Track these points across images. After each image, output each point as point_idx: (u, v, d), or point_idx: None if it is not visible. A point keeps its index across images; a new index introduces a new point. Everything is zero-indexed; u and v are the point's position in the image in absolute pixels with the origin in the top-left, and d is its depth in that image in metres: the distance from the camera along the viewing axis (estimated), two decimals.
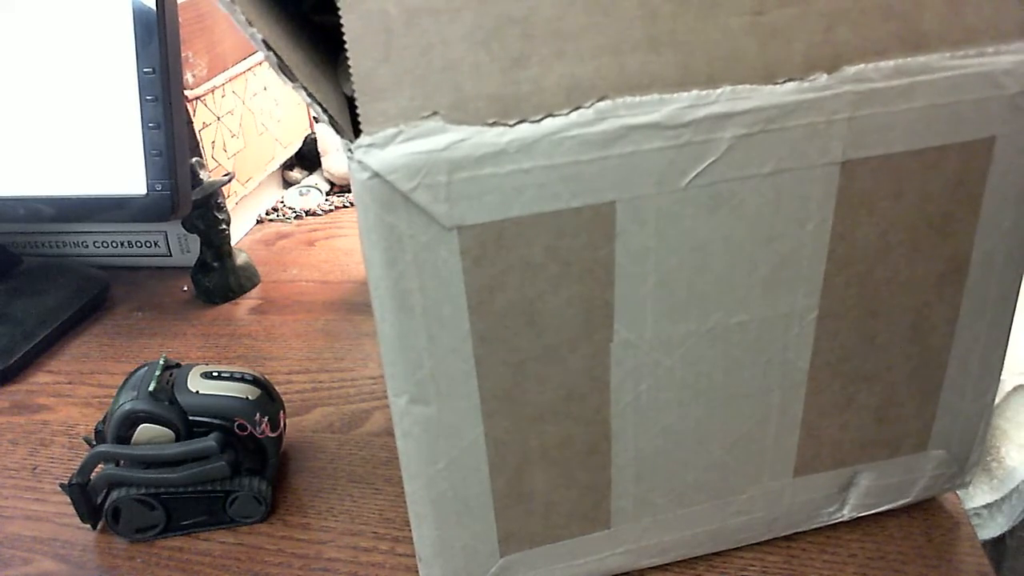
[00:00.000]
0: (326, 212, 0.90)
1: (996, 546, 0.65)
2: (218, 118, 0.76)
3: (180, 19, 0.63)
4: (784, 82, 0.29)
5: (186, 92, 0.70)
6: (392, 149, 0.27)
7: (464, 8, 0.26)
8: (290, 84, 0.26)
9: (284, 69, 0.26)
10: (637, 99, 0.28)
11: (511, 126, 0.28)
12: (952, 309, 0.37)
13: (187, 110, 0.71)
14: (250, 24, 0.25)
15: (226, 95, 0.78)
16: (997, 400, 0.61)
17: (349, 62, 0.25)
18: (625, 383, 0.35)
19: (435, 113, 0.27)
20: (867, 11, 0.30)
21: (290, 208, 0.90)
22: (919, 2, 0.30)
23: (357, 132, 0.27)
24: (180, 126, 0.63)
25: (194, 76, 0.73)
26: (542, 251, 0.30)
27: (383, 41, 0.26)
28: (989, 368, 0.40)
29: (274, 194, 0.93)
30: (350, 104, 0.28)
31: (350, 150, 0.27)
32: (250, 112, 0.82)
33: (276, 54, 0.26)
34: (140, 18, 0.60)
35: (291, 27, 0.30)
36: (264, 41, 0.25)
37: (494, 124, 0.28)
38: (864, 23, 0.30)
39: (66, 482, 0.47)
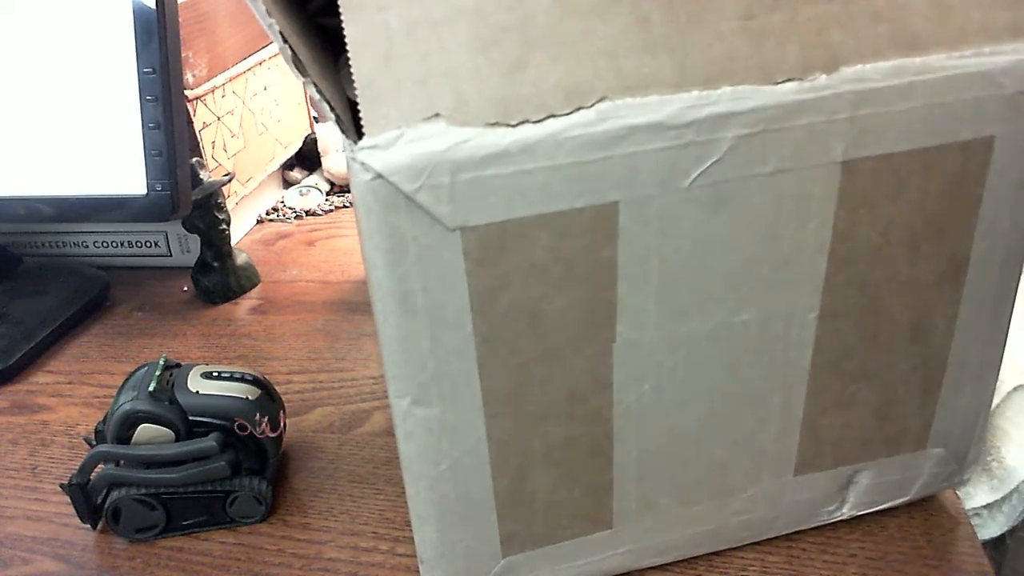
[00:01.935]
0: (326, 212, 0.90)
1: (996, 546, 0.65)
2: (218, 118, 0.76)
3: (180, 19, 0.63)
4: (784, 82, 0.30)
5: (186, 92, 0.70)
6: (395, 150, 0.27)
7: (460, 18, 0.27)
8: (301, 79, 0.26)
9: (297, 63, 0.26)
10: (639, 100, 0.29)
11: (513, 127, 0.28)
12: (951, 308, 0.37)
13: (187, 110, 0.71)
14: (269, 15, 0.25)
15: (226, 95, 0.78)
16: (997, 400, 0.62)
17: (352, 69, 0.26)
18: (628, 383, 0.35)
19: (437, 115, 0.27)
20: (855, 16, 0.30)
21: (290, 208, 0.90)
22: (906, 6, 0.30)
23: (359, 135, 0.27)
24: (180, 126, 0.63)
25: (194, 76, 0.72)
26: (545, 252, 0.30)
27: (384, 50, 0.26)
28: (988, 366, 0.40)
29: (274, 194, 0.93)
30: (352, 108, 0.28)
31: (353, 151, 0.27)
32: (250, 112, 0.82)
33: (291, 47, 0.26)
34: (140, 18, 0.60)
35: (296, 27, 0.30)
36: (281, 33, 0.25)
37: (496, 125, 0.28)
38: (854, 26, 0.30)
39: (66, 482, 0.47)
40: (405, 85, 0.27)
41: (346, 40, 0.25)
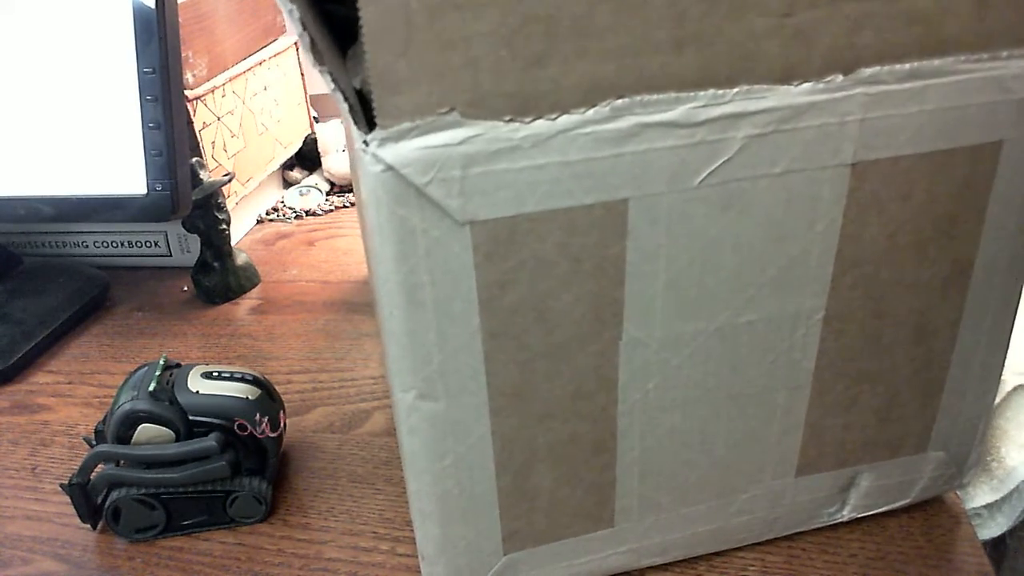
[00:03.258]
0: (326, 212, 0.90)
1: (996, 546, 0.65)
2: (218, 118, 0.76)
3: (180, 19, 0.63)
4: (799, 83, 0.30)
5: (186, 92, 0.70)
6: (407, 143, 0.27)
7: (490, 4, 0.26)
8: (318, 67, 0.26)
9: (315, 52, 0.26)
10: (653, 97, 0.29)
11: (527, 123, 0.28)
12: (955, 311, 0.37)
13: (187, 110, 0.71)
14: (289, 0, 0.25)
15: (226, 95, 0.78)
16: (997, 400, 0.62)
17: (366, 55, 0.25)
18: (633, 381, 0.35)
19: (452, 109, 0.27)
20: (893, 15, 0.29)
21: (290, 208, 0.90)
22: (946, 7, 0.30)
23: (370, 127, 0.27)
24: (180, 126, 0.63)
25: (194, 76, 0.72)
26: (554, 248, 0.31)
27: (403, 35, 0.25)
28: (990, 370, 0.40)
29: (274, 194, 0.93)
30: (359, 97, 0.28)
31: (365, 143, 0.27)
32: (250, 112, 0.82)
33: (310, 35, 0.26)
34: (140, 18, 0.60)
35: (309, 15, 0.30)
36: (301, 20, 0.25)
37: (510, 121, 0.28)
38: (889, 27, 0.30)
39: (66, 482, 0.47)
40: (422, 75, 0.26)
41: (361, 24, 0.25)
